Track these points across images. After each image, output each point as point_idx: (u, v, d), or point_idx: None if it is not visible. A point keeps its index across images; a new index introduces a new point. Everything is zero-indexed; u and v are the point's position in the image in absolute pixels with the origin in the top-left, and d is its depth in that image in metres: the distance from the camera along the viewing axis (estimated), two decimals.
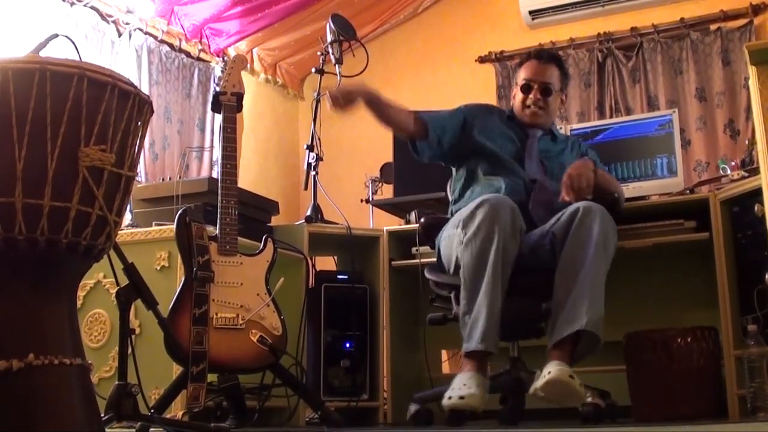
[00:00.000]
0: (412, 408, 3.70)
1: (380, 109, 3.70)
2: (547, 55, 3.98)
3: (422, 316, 3.79)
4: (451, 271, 3.46)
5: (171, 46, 5.85)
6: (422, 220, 3.87)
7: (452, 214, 3.75)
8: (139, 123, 2.17)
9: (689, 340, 3.73)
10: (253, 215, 4.28)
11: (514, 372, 3.54)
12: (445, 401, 3.07)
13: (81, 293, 3.80)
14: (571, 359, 3.12)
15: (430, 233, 3.82)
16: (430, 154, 3.85)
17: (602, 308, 3.18)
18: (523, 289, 3.41)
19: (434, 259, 3.80)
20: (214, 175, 5.66)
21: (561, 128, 4.50)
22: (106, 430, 2.11)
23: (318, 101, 4.61)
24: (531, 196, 3.63)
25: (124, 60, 5.34)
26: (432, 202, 4.36)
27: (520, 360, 3.58)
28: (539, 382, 2.98)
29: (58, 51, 2.23)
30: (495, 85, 6.67)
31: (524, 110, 3.88)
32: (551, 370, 2.97)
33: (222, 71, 3.83)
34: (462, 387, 3.07)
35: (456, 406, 3.04)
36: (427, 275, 3.77)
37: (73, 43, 2.30)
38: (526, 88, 3.88)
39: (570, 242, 3.29)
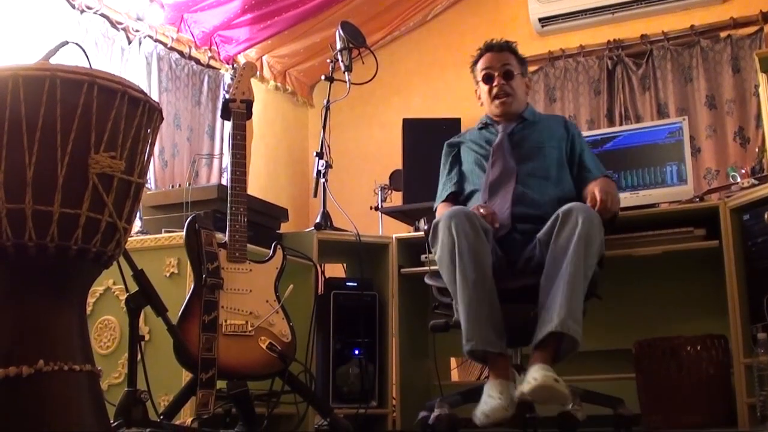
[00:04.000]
0: (420, 415, 3.70)
1: None
2: (498, 45, 4.03)
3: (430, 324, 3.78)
4: None
5: (181, 53, 5.86)
6: (426, 227, 3.85)
7: None
8: (149, 130, 2.17)
9: (699, 348, 3.72)
10: (263, 222, 4.28)
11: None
12: (474, 417, 3.11)
13: (91, 300, 3.81)
14: (552, 359, 3.12)
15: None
16: None
17: (577, 307, 3.17)
18: (518, 296, 3.42)
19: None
20: (224, 182, 5.66)
21: None
22: None
23: (328, 108, 4.62)
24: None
25: (134, 67, 5.35)
26: None
27: (522, 367, 3.57)
28: (526, 387, 2.98)
29: (69, 58, 2.24)
30: None
31: (493, 102, 3.95)
32: (536, 376, 2.97)
33: (232, 78, 3.85)
34: (487, 400, 3.11)
35: (484, 425, 3.08)
36: (427, 281, 3.77)
37: (83, 50, 2.31)
38: (487, 78, 3.97)
39: (551, 248, 3.32)
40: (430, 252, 3.64)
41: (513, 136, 3.92)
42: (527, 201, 3.69)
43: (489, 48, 4.03)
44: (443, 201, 4.01)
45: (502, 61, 3.96)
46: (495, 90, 3.93)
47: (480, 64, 4.02)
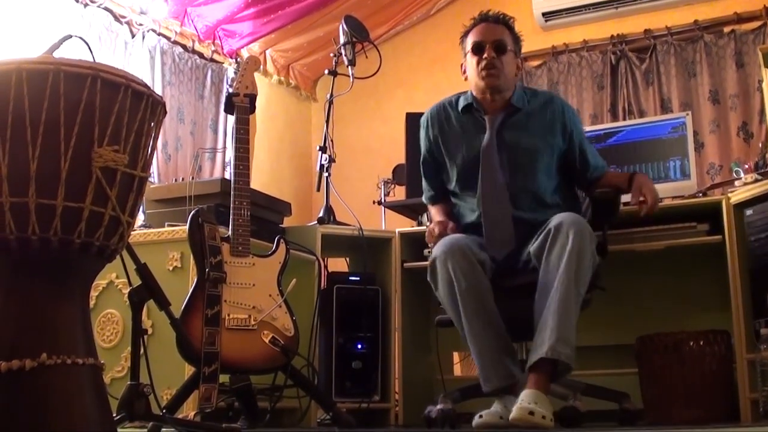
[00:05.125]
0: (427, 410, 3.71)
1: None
2: (494, 17, 3.75)
3: (434, 318, 3.78)
4: None
5: (184, 47, 5.86)
6: (428, 224, 3.85)
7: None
8: (152, 124, 2.17)
9: (701, 343, 3.72)
10: (266, 216, 4.29)
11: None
12: (474, 420, 3.23)
13: (94, 293, 3.81)
14: (546, 382, 3.12)
15: None
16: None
17: (569, 330, 3.15)
18: (518, 293, 3.43)
19: None
20: (227, 176, 5.67)
21: None
22: (118, 429, 2.11)
23: (331, 102, 4.62)
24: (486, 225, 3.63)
25: (138, 61, 5.35)
26: None
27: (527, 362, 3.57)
28: (511, 415, 3.01)
29: (72, 52, 2.24)
30: None
31: (479, 74, 3.66)
32: (513, 409, 2.98)
33: (235, 72, 3.85)
34: (492, 407, 3.26)
35: (477, 424, 3.20)
36: (430, 279, 3.76)
37: (87, 44, 2.31)
38: (477, 49, 3.68)
39: (543, 266, 3.29)
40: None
41: (501, 134, 3.68)
42: (523, 222, 3.59)
43: (483, 18, 3.75)
44: (434, 204, 3.95)
45: (495, 35, 3.68)
46: (483, 63, 3.63)
47: (471, 35, 3.73)
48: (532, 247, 3.39)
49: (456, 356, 5.16)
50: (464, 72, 3.82)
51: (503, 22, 3.76)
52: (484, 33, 3.70)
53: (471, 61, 3.72)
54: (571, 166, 3.78)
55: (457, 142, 3.77)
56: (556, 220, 3.32)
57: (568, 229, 3.24)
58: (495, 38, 3.67)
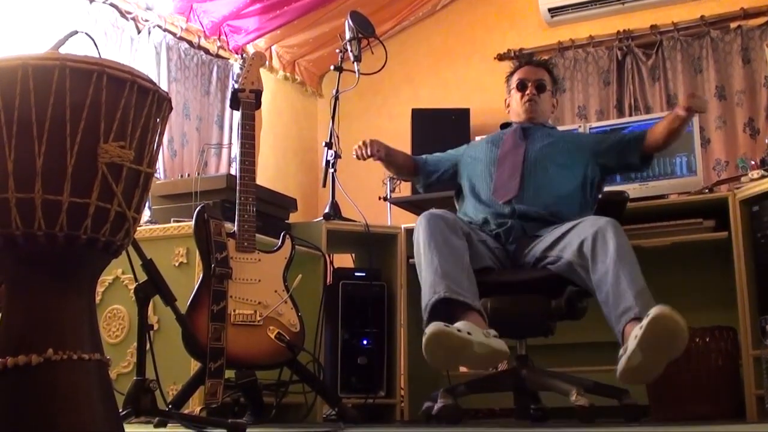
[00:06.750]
0: (425, 405, 3.70)
1: (392, 155, 4.24)
2: (536, 61, 4.36)
3: None
4: None
5: (190, 43, 5.86)
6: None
7: None
8: (158, 120, 2.17)
9: (707, 339, 3.72)
10: (272, 212, 4.29)
11: (521, 370, 3.53)
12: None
13: (100, 289, 3.82)
14: None
15: None
16: (422, 186, 4.42)
17: (644, 284, 3.21)
18: (529, 287, 3.41)
19: None
20: (233, 171, 5.67)
21: (579, 127, 4.52)
22: (125, 425, 2.12)
23: (337, 98, 4.61)
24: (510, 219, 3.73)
25: (143, 57, 5.36)
26: (450, 200, 4.36)
27: (527, 358, 3.57)
28: (639, 332, 2.94)
29: (78, 48, 2.24)
30: None
31: (523, 106, 4.10)
32: (650, 312, 2.93)
33: (241, 68, 3.84)
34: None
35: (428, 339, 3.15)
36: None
37: (93, 39, 2.31)
38: (521, 86, 4.14)
39: (594, 269, 3.25)
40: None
41: (525, 133, 4.02)
42: (536, 177, 3.81)
43: (528, 62, 4.30)
44: (414, 159, 4.35)
45: (537, 75, 4.14)
46: (526, 98, 4.08)
47: (516, 75, 4.19)
48: (572, 256, 3.35)
49: None
50: (508, 106, 4.26)
51: (544, 66, 4.29)
52: (528, 73, 4.18)
53: (516, 95, 4.17)
54: (609, 160, 3.94)
55: (487, 140, 4.19)
56: (590, 230, 3.31)
57: (605, 234, 3.25)
58: (537, 78, 4.15)
